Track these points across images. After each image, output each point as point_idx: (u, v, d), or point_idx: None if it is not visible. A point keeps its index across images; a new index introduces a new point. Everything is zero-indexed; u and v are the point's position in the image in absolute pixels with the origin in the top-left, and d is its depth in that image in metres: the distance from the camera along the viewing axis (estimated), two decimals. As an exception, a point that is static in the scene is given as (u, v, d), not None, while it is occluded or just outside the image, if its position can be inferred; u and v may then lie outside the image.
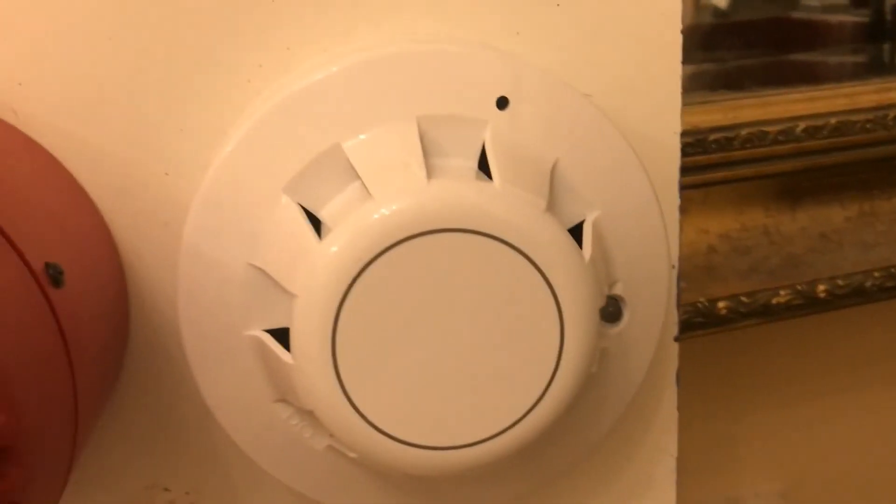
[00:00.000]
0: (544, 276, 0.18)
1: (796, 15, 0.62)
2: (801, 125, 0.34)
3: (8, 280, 0.16)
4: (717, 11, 0.59)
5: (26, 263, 0.17)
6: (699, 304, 0.33)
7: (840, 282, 0.34)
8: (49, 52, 0.21)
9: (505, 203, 0.18)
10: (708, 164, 0.33)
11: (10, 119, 0.22)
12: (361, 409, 0.19)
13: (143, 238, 0.23)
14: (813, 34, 0.59)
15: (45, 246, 0.18)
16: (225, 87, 0.22)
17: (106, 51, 0.21)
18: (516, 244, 0.18)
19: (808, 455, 0.41)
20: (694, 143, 0.32)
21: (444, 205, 0.18)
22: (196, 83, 0.22)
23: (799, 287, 0.34)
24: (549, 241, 0.18)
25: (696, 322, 0.33)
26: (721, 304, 0.33)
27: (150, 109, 0.22)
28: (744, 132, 0.33)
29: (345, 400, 0.19)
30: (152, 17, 0.21)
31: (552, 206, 0.19)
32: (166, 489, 0.25)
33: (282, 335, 0.20)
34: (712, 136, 0.33)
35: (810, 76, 0.44)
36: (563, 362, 0.19)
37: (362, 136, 0.20)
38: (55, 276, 0.18)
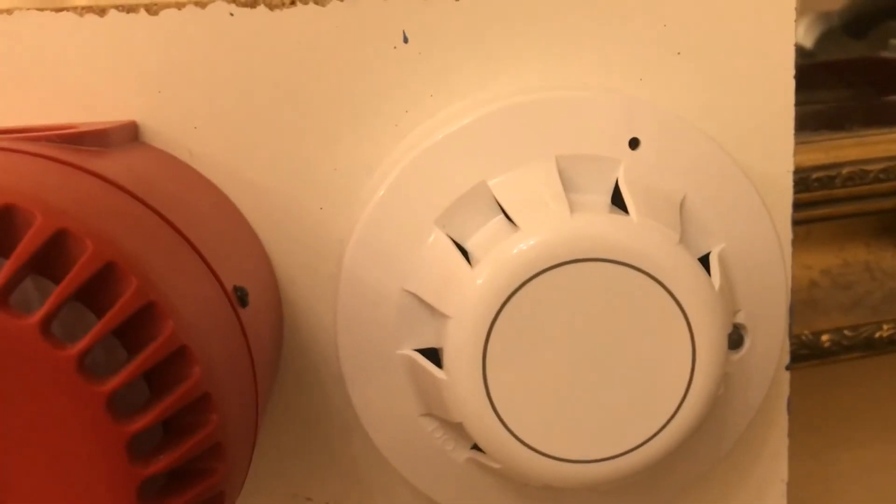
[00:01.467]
0: (678, 303, 0.20)
1: (886, 55, 0.62)
2: (903, 164, 0.35)
3: (212, 298, 0.19)
4: (802, 51, 0.60)
5: (221, 285, 0.20)
6: (803, 337, 0.33)
7: (944, 317, 0.35)
8: (221, 100, 0.24)
9: (642, 235, 0.20)
10: (810, 202, 0.34)
11: (185, 158, 0.24)
12: (507, 423, 0.20)
13: (298, 265, 0.25)
14: (904, 74, 0.59)
15: (231, 270, 0.21)
16: (374, 131, 0.25)
17: (270, 99, 0.24)
18: (653, 273, 0.20)
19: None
20: (797, 182, 0.33)
21: (586, 236, 0.20)
22: (348, 127, 0.24)
23: (902, 322, 0.35)
24: (683, 271, 0.20)
25: (800, 354, 0.34)
26: (825, 337, 0.34)
27: (308, 150, 0.24)
28: (845, 171, 0.34)
29: (493, 414, 0.20)
30: (311, 71, 0.24)
31: (683, 238, 0.21)
32: (308, 499, 0.27)
33: (429, 354, 0.22)
34: (815, 175, 0.34)
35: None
36: (693, 384, 0.20)
37: (505, 175, 0.22)
38: (242, 297, 0.20)
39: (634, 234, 0.20)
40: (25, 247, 0.15)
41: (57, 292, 0.15)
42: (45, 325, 0.15)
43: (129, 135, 0.23)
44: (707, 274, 0.21)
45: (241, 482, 0.19)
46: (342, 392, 0.25)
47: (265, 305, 0.23)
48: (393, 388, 0.23)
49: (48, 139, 0.20)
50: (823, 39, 0.62)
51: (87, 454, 0.15)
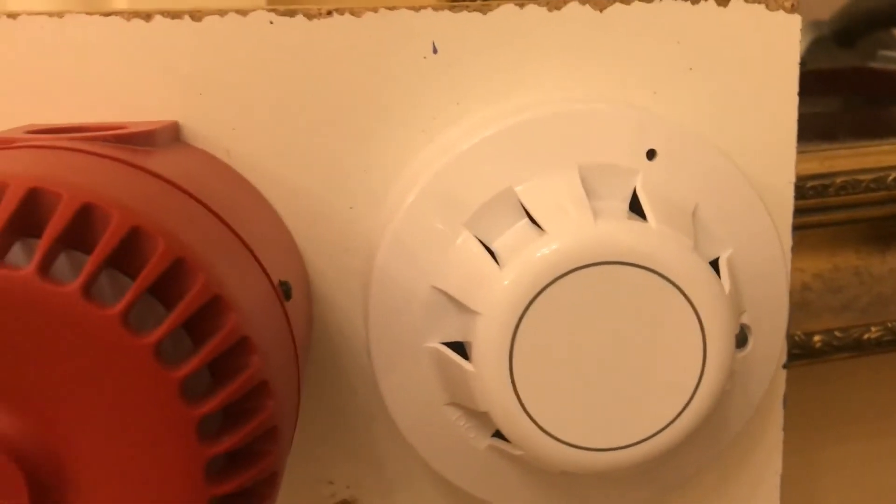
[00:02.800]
0: (692, 304, 0.22)
1: (874, 65, 0.64)
2: (893, 174, 0.37)
3: (264, 292, 0.20)
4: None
5: (269, 279, 0.21)
6: (796, 337, 0.35)
7: (928, 321, 0.37)
8: (258, 104, 0.25)
9: (660, 241, 0.22)
10: (805, 209, 0.36)
11: (224, 158, 0.26)
12: (531, 413, 0.22)
13: (329, 262, 0.26)
14: (893, 85, 0.61)
15: (276, 266, 0.22)
16: (403, 135, 0.26)
17: (305, 103, 0.25)
18: (669, 276, 0.21)
19: (890, 486, 0.43)
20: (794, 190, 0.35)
21: (609, 241, 0.21)
22: (378, 131, 0.26)
23: (889, 324, 0.36)
24: (696, 275, 0.22)
25: (793, 353, 0.35)
26: (816, 338, 0.36)
27: (340, 152, 0.26)
28: (839, 180, 0.36)
29: (518, 404, 0.22)
30: (345, 77, 0.25)
31: (696, 244, 0.22)
32: (331, 482, 0.28)
33: (455, 347, 0.23)
34: (810, 184, 0.35)
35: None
36: (703, 379, 0.22)
37: (531, 182, 0.23)
38: (287, 290, 0.22)
39: (653, 239, 0.21)
40: (105, 244, 0.16)
41: (135, 286, 0.16)
42: (125, 316, 0.16)
43: (173, 135, 0.25)
44: (718, 278, 0.22)
45: (284, 465, 0.21)
46: (367, 382, 0.27)
47: (302, 298, 0.24)
48: (420, 379, 0.24)
49: (104, 139, 0.21)
50: (813, 48, 0.64)
51: (160, 434, 0.17)
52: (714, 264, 0.24)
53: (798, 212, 0.37)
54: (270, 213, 0.25)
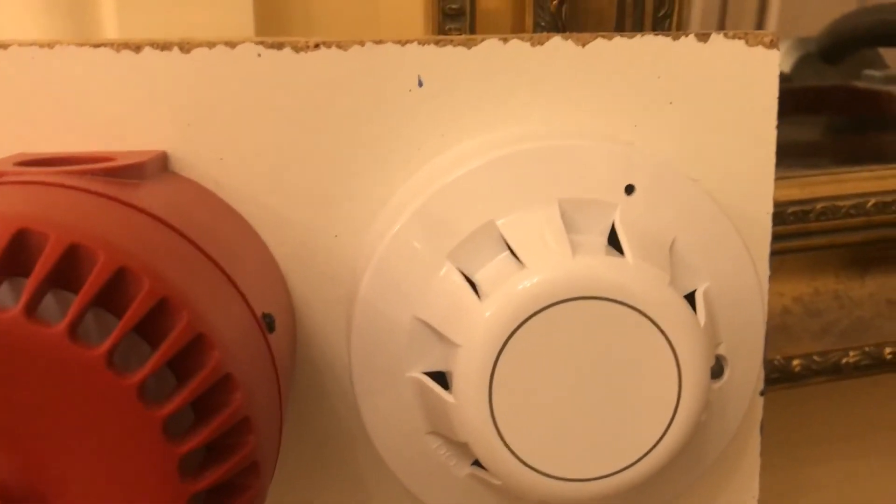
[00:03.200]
0: (667, 339, 0.22)
1: (860, 84, 0.65)
2: (872, 201, 0.37)
3: (247, 327, 0.20)
4: (780, 76, 0.63)
5: (252, 313, 0.21)
6: (775, 362, 0.36)
7: (906, 345, 0.37)
8: (246, 134, 0.26)
9: (637, 276, 0.22)
10: (785, 234, 0.36)
11: (212, 188, 0.26)
12: (509, 444, 0.22)
13: (313, 290, 0.27)
14: (876, 104, 0.62)
15: (259, 297, 0.22)
16: (388, 165, 0.26)
17: (292, 134, 0.26)
18: (645, 311, 0.22)
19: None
20: (774, 215, 0.36)
21: (587, 276, 0.22)
22: (364, 161, 0.26)
23: (867, 349, 0.37)
24: (672, 310, 0.22)
25: (772, 377, 0.36)
26: (795, 362, 0.36)
27: (326, 182, 0.26)
28: (819, 206, 0.37)
29: (496, 435, 0.22)
30: (331, 109, 0.26)
31: (673, 278, 0.23)
32: (313, 506, 0.29)
33: (436, 377, 0.24)
34: (790, 209, 0.36)
35: (878, 154, 0.47)
36: (679, 411, 0.23)
37: (512, 215, 0.24)
38: (270, 323, 0.22)
39: (630, 275, 0.22)
40: (92, 284, 0.17)
41: (120, 327, 0.17)
42: (110, 357, 0.17)
43: (161, 165, 0.25)
44: (693, 312, 0.23)
45: (266, 491, 0.21)
46: (350, 409, 0.27)
47: (285, 328, 0.25)
48: (402, 407, 0.24)
49: (92, 172, 0.22)
50: (800, 64, 0.65)
51: (143, 470, 0.17)
52: (691, 297, 0.24)
53: (779, 237, 0.38)
54: (257, 242, 0.26)
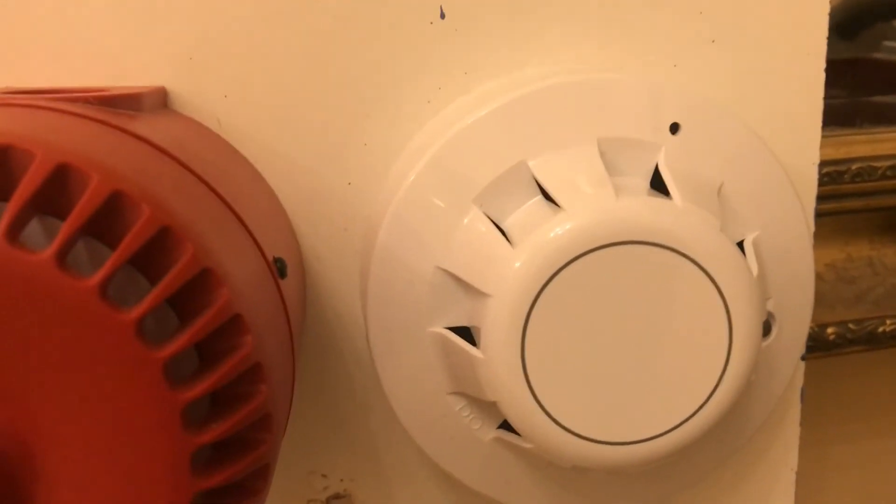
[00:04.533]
0: (718, 288, 0.20)
1: (879, 56, 0.63)
2: (910, 162, 0.35)
3: (258, 269, 0.18)
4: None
5: (264, 256, 0.19)
6: (810, 329, 0.34)
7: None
8: (252, 70, 0.24)
9: (686, 220, 0.20)
10: (820, 196, 0.34)
11: (214, 127, 0.24)
12: (543, 403, 0.20)
13: (325, 242, 0.25)
14: (896, 75, 0.60)
15: (270, 242, 0.20)
16: (406, 107, 0.24)
17: (303, 71, 0.24)
18: (695, 258, 0.20)
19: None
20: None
21: (632, 219, 0.20)
22: (380, 102, 0.24)
23: (905, 317, 0.35)
24: (724, 257, 0.20)
25: (807, 346, 0.34)
26: (830, 330, 0.34)
27: (338, 124, 0.24)
28: (854, 167, 0.35)
29: (529, 394, 0.20)
30: (344, 43, 0.24)
31: (724, 224, 0.21)
32: (324, 475, 0.27)
33: (460, 333, 0.22)
34: (824, 170, 0.34)
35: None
36: (729, 368, 0.21)
37: (545, 156, 0.22)
38: (281, 268, 0.20)
39: (678, 218, 0.20)
40: (83, 208, 0.15)
41: (115, 256, 0.15)
42: (104, 288, 0.15)
43: (160, 101, 0.23)
44: (746, 261, 0.21)
45: (278, 453, 0.19)
46: (364, 369, 0.25)
47: (296, 278, 0.23)
48: (422, 366, 0.22)
49: (86, 100, 0.20)
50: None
51: (141, 419, 0.15)
52: (739, 246, 0.22)
53: (813, 199, 0.36)
54: (264, 187, 0.24)
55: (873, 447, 0.40)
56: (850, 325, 0.34)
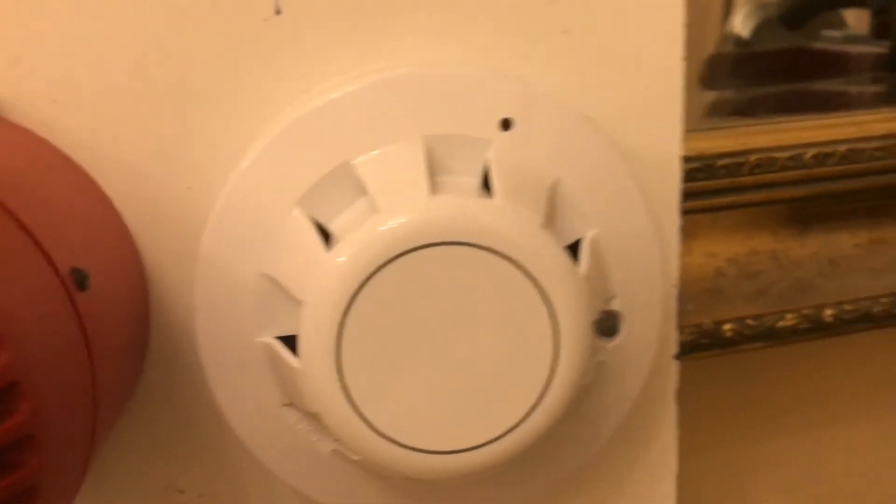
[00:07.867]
0: (539, 288, 0.19)
1: (817, 45, 0.62)
2: (811, 152, 0.35)
3: (32, 281, 0.17)
4: (739, 41, 0.60)
5: (53, 266, 0.18)
6: (704, 326, 0.33)
7: (847, 307, 0.35)
8: (82, 73, 0.23)
9: (502, 217, 0.19)
10: (717, 189, 0.34)
11: (45, 134, 0.23)
12: (364, 413, 0.20)
13: (164, 249, 0.24)
14: (833, 64, 0.60)
15: (74, 252, 0.19)
16: (246, 108, 0.23)
17: (136, 73, 0.23)
18: (513, 256, 0.19)
19: (813, 481, 0.41)
20: (702, 168, 0.33)
21: (444, 218, 0.19)
22: (219, 103, 0.23)
23: (805, 311, 0.34)
24: (544, 254, 0.19)
25: (701, 343, 0.33)
26: (726, 327, 0.33)
27: (175, 128, 0.23)
28: (753, 158, 0.34)
29: (347, 404, 0.19)
30: (178, 43, 0.23)
31: (550, 222, 0.20)
32: (181, 491, 0.26)
33: (291, 342, 0.21)
34: (720, 162, 0.33)
35: (826, 105, 0.44)
36: (557, 371, 0.20)
37: (371, 154, 0.21)
38: (80, 279, 0.19)
39: (494, 216, 0.19)
40: None
41: None
42: None
43: (-20, 108, 0.22)
44: (571, 258, 0.20)
45: (72, 480, 0.18)
46: (206, 383, 0.24)
47: (121, 290, 0.22)
48: (253, 378, 0.22)
49: None
50: (760, 29, 0.62)
51: None
52: (577, 244, 0.21)
53: (709, 192, 0.35)
54: (93, 194, 0.23)
55: (787, 443, 0.39)
56: (749, 321, 0.34)
